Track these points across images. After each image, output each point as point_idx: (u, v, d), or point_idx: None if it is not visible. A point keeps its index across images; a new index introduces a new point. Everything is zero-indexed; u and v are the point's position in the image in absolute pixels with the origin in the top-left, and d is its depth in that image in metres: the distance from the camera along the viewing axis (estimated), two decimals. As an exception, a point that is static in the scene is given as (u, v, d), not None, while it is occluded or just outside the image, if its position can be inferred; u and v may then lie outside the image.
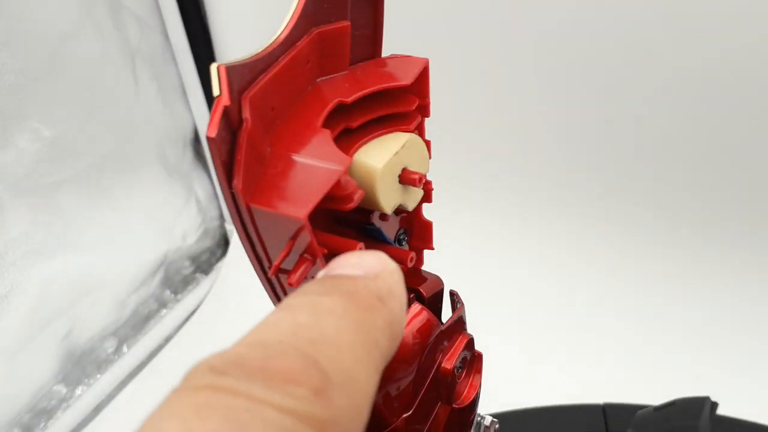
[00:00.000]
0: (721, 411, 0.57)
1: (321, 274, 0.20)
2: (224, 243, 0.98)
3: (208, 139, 0.20)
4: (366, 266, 0.20)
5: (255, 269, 0.25)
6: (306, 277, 0.23)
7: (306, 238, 0.21)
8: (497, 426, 0.36)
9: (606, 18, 0.67)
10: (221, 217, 0.95)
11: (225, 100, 0.20)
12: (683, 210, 0.76)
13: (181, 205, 0.86)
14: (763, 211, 0.73)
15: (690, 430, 0.50)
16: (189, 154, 0.87)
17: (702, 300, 0.77)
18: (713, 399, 0.54)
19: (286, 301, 0.18)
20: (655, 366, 0.74)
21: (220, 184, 0.22)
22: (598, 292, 0.80)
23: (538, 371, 0.74)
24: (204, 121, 0.83)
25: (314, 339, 0.17)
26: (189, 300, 0.90)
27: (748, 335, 0.74)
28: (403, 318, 0.20)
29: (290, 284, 0.22)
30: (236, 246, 0.94)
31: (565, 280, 0.81)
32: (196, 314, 0.88)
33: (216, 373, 0.15)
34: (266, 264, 0.24)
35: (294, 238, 0.22)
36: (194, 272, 0.93)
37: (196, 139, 0.86)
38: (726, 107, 0.68)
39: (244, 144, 0.21)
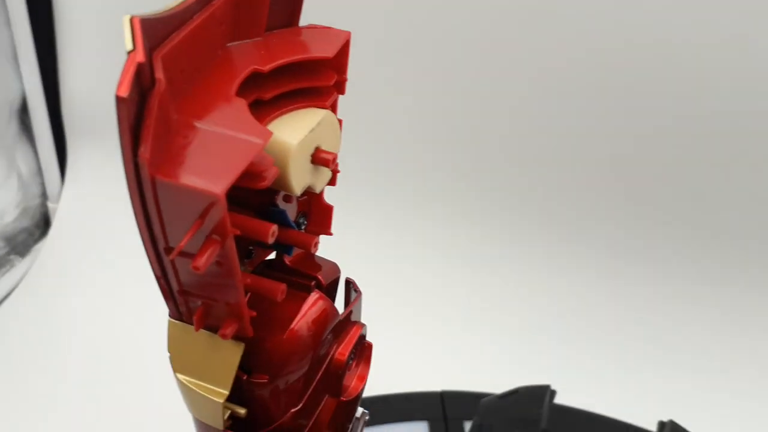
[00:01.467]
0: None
1: None
2: (44, 223, 0.90)
3: (118, 99, 0.17)
4: None
5: (147, 251, 0.22)
6: (213, 260, 0.20)
7: (217, 215, 0.19)
8: (367, 417, 0.35)
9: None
10: (43, 195, 0.87)
11: (140, 56, 0.18)
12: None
13: (1, 181, 0.78)
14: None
15: (535, 417, 0.52)
16: (14, 125, 0.79)
17: (532, 291, 0.81)
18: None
19: None
20: (490, 356, 0.76)
21: (123, 152, 0.19)
22: (440, 281, 0.81)
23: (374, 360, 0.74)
24: (35, 90, 0.76)
25: None
26: (1, 284, 0.82)
27: (590, 328, 0.79)
28: None
29: (196, 268, 0.20)
30: (58, 227, 0.87)
31: (413, 269, 0.82)
32: (9, 299, 0.81)
33: None
34: (162, 245, 0.22)
35: (203, 216, 0.20)
36: (9, 254, 0.85)
37: (24, 109, 0.79)
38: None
39: (155, 108, 0.18)
